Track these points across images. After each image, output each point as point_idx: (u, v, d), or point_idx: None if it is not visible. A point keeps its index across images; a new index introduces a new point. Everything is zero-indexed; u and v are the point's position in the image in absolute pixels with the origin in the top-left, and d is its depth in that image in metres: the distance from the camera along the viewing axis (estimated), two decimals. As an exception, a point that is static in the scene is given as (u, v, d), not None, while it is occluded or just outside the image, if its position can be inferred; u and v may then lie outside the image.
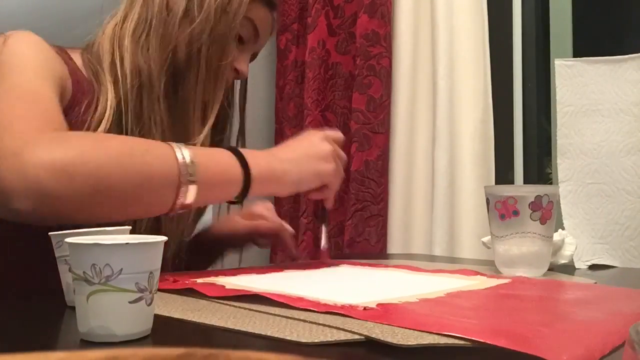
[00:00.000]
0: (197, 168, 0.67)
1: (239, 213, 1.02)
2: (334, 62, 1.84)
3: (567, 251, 0.84)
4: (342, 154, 0.85)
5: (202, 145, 0.81)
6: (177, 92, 0.83)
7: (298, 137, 0.84)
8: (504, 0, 1.68)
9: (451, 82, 1.60)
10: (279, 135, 1.94)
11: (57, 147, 0.60)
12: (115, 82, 0.79)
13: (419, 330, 0.44)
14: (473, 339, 0.41)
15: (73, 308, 0.48)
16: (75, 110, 0.76)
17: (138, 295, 0.43)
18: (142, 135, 0.79)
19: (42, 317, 0.54)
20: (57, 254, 0.55)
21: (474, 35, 1.60)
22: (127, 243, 0.43)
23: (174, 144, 0.68)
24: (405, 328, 0.45)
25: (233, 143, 0.96)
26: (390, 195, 1.69)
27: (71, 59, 0.82)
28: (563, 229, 0.87)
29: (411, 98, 1.69)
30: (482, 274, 0.76)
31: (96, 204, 0.62)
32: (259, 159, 0.75)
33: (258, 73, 2.00)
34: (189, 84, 0.82)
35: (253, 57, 0.94)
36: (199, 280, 0.66)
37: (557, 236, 0.83)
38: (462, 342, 0.41)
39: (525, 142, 1.67)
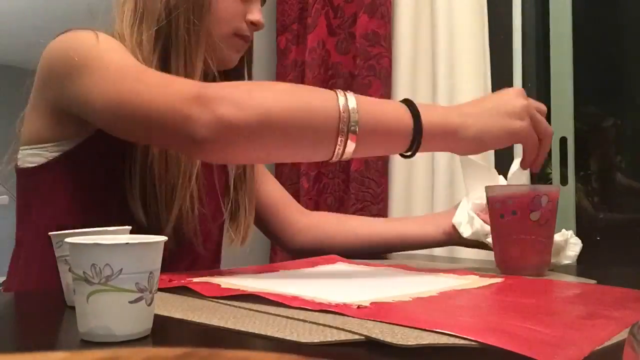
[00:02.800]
0: (359, 117, 0.65)
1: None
2: (334, 62, 1.84)
3: (571, 251, 0.84)
4: (542, 108, 0.77)
5: None
6: (170, 69, 0.80)
7: (495, 93, 0.76)
8: (504, 0, 1.68)
9: (451, 82, 1.60)
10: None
11: (228, 87, 0.68)
12: None
13: (416, 328, 0.44)
14: (469, 337, 0.41)
15: (73, 308, 0.48)
16: None
17: (138, 295, 0.43)
18: None
19: (42, 317, 0.54)
20: (57, 254, 0.55)
21: (474, 35, 1.61)
22: (127, 243, 0.43)
23: (338, 90, 0.67)
24: (399, 325, 0.45)
25: None
26: (390, 195, 1.70)
27: None
28: (567, 229, 0.87)
29: (411, 98, 1.69)
30: (475, 273, 0.76)
31: (262, 137, 0.65)
32: (434, 111, 0.70)
33: (258, 73, 2.00)
34: (178, 56, 0.80)
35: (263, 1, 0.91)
36: (195, 280, 0.66)
37: (560, 236, 0.83)
38: (461, 341, 0.41)
39: (525, 142, 1.66)
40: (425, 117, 0.68)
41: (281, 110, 0.64)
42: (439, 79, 1.61)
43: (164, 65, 0.80)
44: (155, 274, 0.45)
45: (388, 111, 0.69)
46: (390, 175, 1.70)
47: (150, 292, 0.44)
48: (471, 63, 1.60)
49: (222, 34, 0.84)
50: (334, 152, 0.66)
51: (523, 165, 0.80)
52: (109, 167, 0.77)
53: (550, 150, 1.63)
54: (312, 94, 0.68)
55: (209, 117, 0.63)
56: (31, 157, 0.79)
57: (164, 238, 0.46)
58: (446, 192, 1.58)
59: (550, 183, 1.65)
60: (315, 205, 1.80)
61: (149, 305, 0.44)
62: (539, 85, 1.71)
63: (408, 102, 0.70)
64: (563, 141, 1.62)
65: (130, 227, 0.59)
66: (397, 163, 1.69)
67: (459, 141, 0.71)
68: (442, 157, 1.59)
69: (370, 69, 1.71)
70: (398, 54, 1.71)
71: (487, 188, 0.83)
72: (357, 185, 1.70)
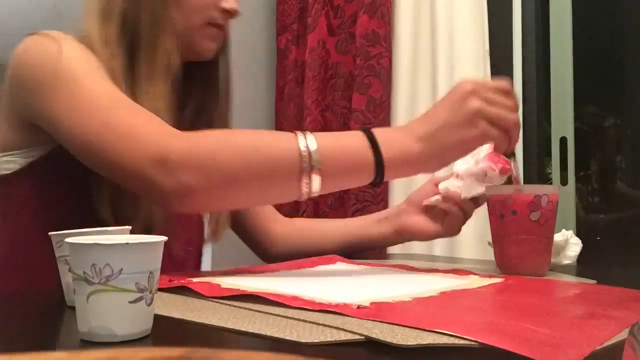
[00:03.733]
0: (321, 157, 0.67)
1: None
2: (334, 62, 1.84)
3: (571, 252, 0.84)
4: (503, 100, 0.73)
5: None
6: (134, 68, 0.79)
7: (445, 96, 0.74)
8: (504, 0, 1.69)
9: (451, 82, 1.60)
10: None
11: (193, 150, 0.67)
12: None
13: (417, 329, 0.44)
14: (469, 337, 0.41)
15: (73, 308, 0.48)
16: None
17: (138, 295, 0.43)
18: None
19: (42, 317, 0.54)
20: (57, 254, 0.55)
21: (474, 35, 1.61)
22: (127, 243, 0.43)
23: (299, 133, 0.68)
24: (399, 325, 0.45)
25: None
26: (390, 195, 1.70)
27: None
28: (567, 229, 0.86)
29: (411, 98, 1.69)
30: (475, 273, 0.76)
31: (229, 196, 0.69)
32: (394, 142, 0.70)
33: (258, 73, 2.00)
34: (141, 51, 0.78)
35: None
36: (195, 280, 0.66)
37: (560, 236, 0.83)
38: (461, 341, 0.41)
39: (525, 142, 1.67)
40: (385, 151, 0.69)
41: (246, 170, 0.67)
42: (439, 79, 1.61)
43: (130, 62, 0.79)
44: (155, 274, 0.45)
45: (349, 150, 0.70)
46: (390, 175, 1.70)
47: (150, 292, 0.44)
48: (471, 63, 1.60)
49: (194, 24, 0.82)
50: (301, 193, 0.69)
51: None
52: (78, 172, 0.75)
53: (550, 150, 1.63)
54: (273, 145, 0.69)
55: (174, 185, 0.65)
56: (5, 164, 0.78)
57: (163, 238, 0.46)
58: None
59: (550, 183, 1.65)
60: (315, 205, 1.80)
61: (149, 305, 0.44)
62: (538, 85, 1.71)
63: (368, 134, 0.71)
64: (563, 141, 1.62)
65: (130, 227, 0.59)
66: (397, 163, 1.69)
67: (421, 167, 0.73)
68: (442, 157, 1.59)
69: (370, 69, 1.71)
70: (398, 54, 1.71)
71: (487, 188, 0.83)
72: (357, 185, 1.70)
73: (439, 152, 0.71)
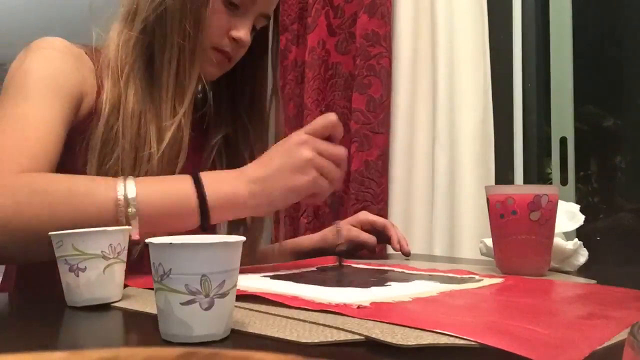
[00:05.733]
0: (140, 205, 0.65)
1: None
2: (334, 62, 1.84)
3: (577, 261, 0.84)
4: (333, 151, 0.75)
5: (178, 133, 0.78)
6: (151, 75, 0.79)
7: (278, 143, 0.76)
8: (504, 0, 1.69)
9: (451, 82, 1.60)
10: (279, 136, 1.94)
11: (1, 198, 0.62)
12: (111, 81, 0.79)
13: (417, 329, 0.44)
14: (469, 338, 0.41)
15: (73, 308, 0.48)
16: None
17: (189, 297, 0.41)
18: (122, 126, 0.77)
19: (42, 317, 0.54)
20: (57, 254, 0.55)
21: (474, 35, 1.61)
22: (170, 243, 0.42)
23: (121, 180, 0.66)
24: (399, 325, 0.45)
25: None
26: (390, 195, 1.70)
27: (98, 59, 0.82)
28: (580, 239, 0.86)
29: (411, 98, 1.69)
30: (475, 273, 0.76)
31: (31, 251, 0.63)
32: (222, 184, 0.70)
33: (258, 73, 2.00)
34: (160, 63, 0.79)
35: (261, 20, 0.89)
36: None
37: (571, 244, 0.83)
38: (461, 342, 0.41)
39: (525, 142, 1.67)
40: (210, 195, 0.69)
41: (53, 225, 0.59)
42: (439, 79, 1.61)
43: (149, 68, 0.79)
44: (210, 277, 0.42)
45: (172, 197, 0.68)
46: (390, 175, 1.70)
47: (206, 296, 0.42)
48: (471, 63, 1.60)
49: (202, 46, 0.82)
50: None
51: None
52: (76, 172, 0.73)
53: (550, 150, 1.63)
54: (88, 196, 0.64)
55: None
56: None
57: (222, 240, 0.44)
58: (446, 192, 1.58)
59: (550, 183, 1.65)
60: (314, 205, 1.80)
61: (207, 310, 0.42)
62: (539, 85, 1.71)
63: (196, 178, 0.70)
64: (563, 141, 1.62)
65: (130, 227, 0.59)
66: (397, 163, 1.69)
67: (249, 209, 0.73)
68: (442, 157, 1.59)
69: (370, 69, 1.71)
70: (398, 54, 1.71)
71: (487, 188, 0.83)
72: (357, 185, 1.70)
73: (269, 196, 0.72)
